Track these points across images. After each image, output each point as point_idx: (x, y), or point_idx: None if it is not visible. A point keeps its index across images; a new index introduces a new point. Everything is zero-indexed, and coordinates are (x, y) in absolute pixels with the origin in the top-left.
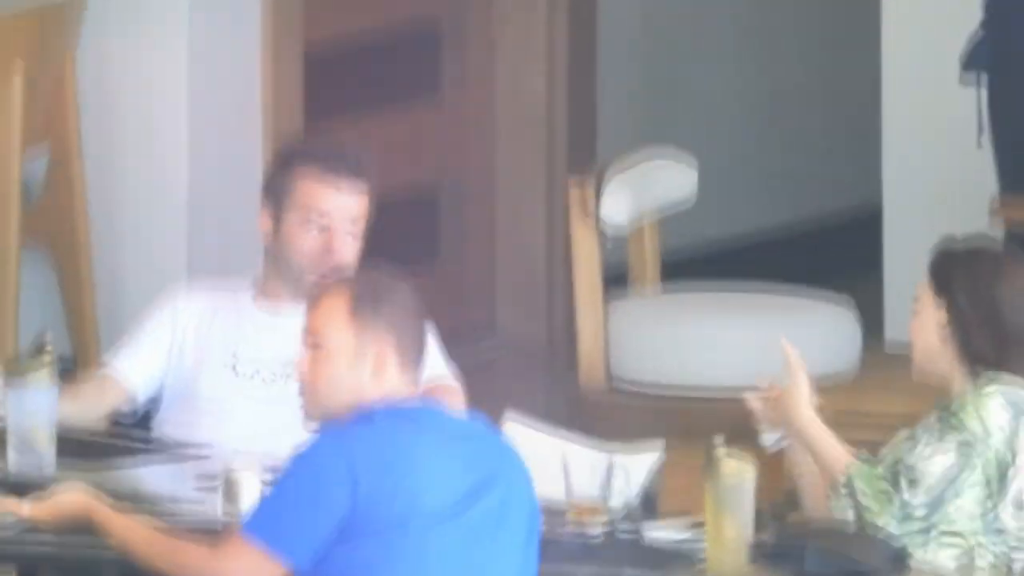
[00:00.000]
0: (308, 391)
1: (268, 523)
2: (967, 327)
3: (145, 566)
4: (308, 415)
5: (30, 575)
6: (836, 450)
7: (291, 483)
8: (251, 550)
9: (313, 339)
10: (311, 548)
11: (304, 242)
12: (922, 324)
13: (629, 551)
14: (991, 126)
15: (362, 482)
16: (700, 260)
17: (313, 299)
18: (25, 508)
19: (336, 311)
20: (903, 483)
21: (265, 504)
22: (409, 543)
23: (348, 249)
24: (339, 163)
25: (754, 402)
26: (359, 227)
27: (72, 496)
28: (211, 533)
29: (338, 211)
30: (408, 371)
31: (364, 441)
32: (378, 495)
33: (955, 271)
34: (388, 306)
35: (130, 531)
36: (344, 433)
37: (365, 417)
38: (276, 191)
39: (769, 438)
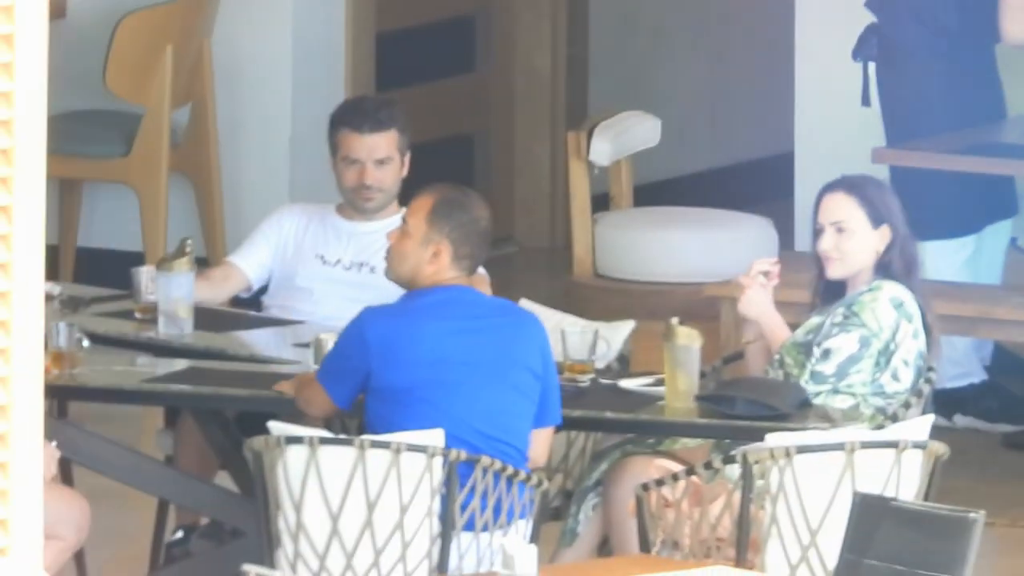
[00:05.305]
0: (389, 256)
1: (323, 372)
2: (895, 249)
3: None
4: (388, 273)
5: (174, 411)
6: (785, 332)
7: (335, 348)
8: (319, 387)
9: (404, 220)
10: (347, 393)
11: (345, 179)
12: (860, 242)
13: (609, 397)
14: (880, 97)
15: (373, 349)
16: (662, 187)
17: (418, 193)
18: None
19: (422, 206)
20: (817, 355)
21: (324, 360)
22: (417, 395)
23: (379, 177)
24: (362, 117)
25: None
26: (390, 160)
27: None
28: None
29: (364, 151)
30: (459, 267)
31: (381, 320)
32: (386, 359)
33: (892, 204)
34: (458, 216)
35: (303, 377)
36: (369, 313)
37: (400, 301)
38: (330, 145)
39: (748, 332)
